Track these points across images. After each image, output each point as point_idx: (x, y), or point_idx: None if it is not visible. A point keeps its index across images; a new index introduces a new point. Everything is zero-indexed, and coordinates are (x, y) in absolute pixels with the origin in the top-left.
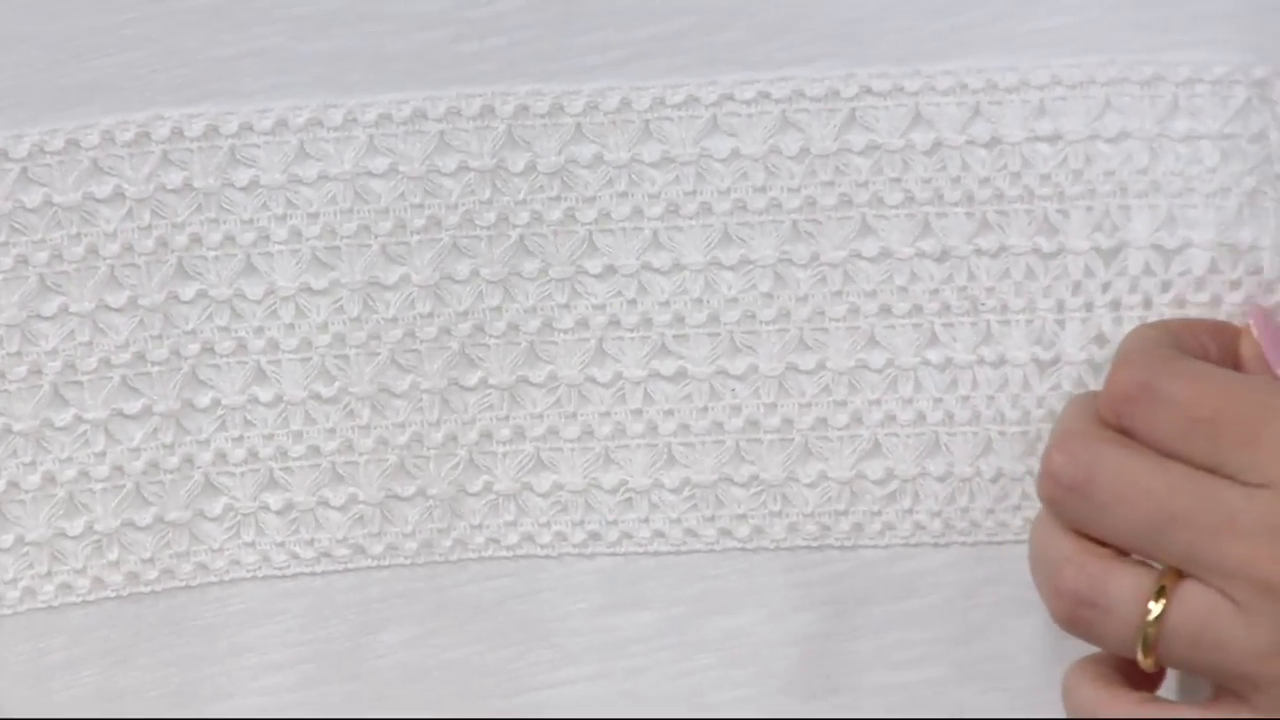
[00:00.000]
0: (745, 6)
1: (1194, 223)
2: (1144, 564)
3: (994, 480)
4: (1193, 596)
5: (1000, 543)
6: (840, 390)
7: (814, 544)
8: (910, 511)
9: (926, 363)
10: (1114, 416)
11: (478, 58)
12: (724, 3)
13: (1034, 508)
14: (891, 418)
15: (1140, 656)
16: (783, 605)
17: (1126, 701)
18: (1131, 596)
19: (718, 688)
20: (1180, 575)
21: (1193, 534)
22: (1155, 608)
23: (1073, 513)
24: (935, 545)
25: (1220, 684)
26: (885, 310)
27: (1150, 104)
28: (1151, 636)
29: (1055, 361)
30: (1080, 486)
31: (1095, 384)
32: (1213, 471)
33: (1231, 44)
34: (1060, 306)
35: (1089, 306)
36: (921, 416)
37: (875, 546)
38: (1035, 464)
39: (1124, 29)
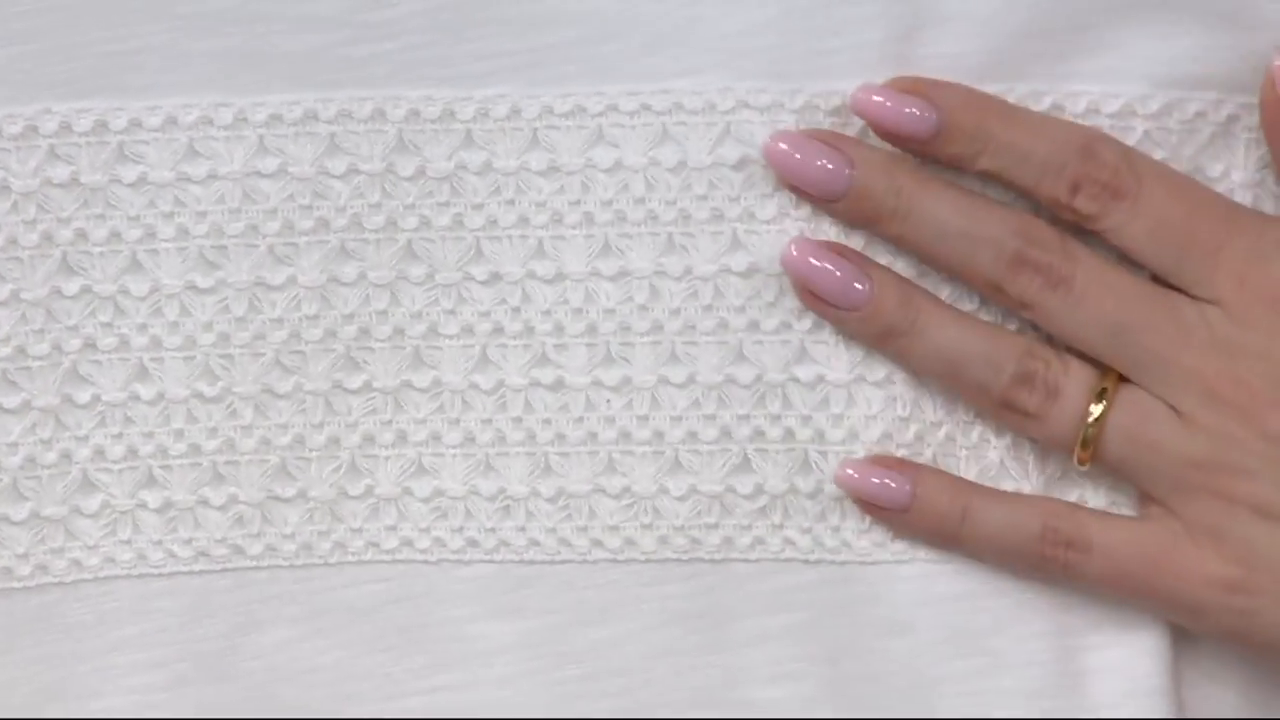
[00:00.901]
0: (635, 19)
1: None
2: (1086, 363)
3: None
4: (1136, 399)
5: (875, 563)
6: (710, 404)
7: (684, 557)
8: (780, 527)
9: (795, 379)
10: (1095, 206)
11: (370, 61)
12: (614, 14)
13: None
14: (760, 434)
15: (1078, 450)
16: (653, 618)
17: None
18: (1079, 388)
19: (587, 699)
20: (1120, 379)
21: (1149, 339)
22: (1096, 408)
23: (1044, 305)
24: (805, 562)
25: (1148, 491)
26: (753, 325)
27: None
28: (1091, 435)
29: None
30: (1065, 280)
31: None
32: (1173, 281)
33: (1129, 75)
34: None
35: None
36: (790, 433)
37: (745, 561)
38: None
39: (1023, 59)
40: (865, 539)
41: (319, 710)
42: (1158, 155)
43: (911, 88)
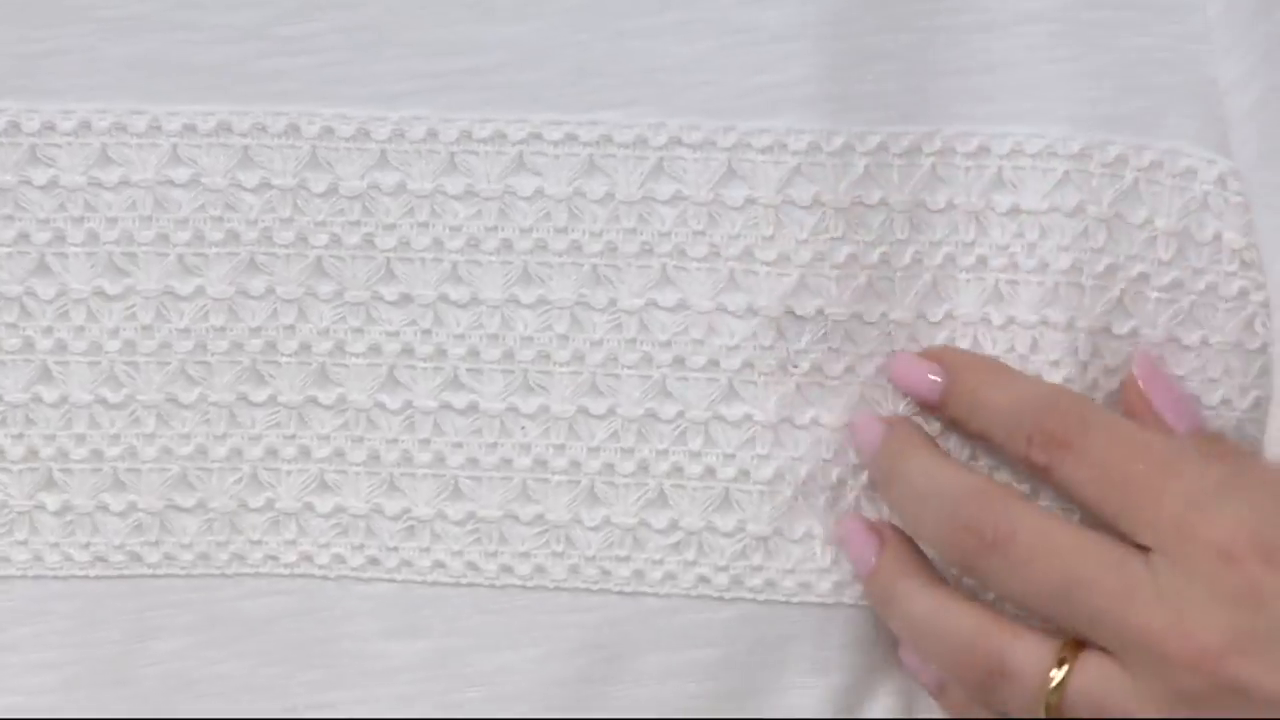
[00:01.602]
0: (559, 48)
1: (1015, 299)
2: (1044, 633)
3: (798, 541)
4: (1093, 665)
5: (801, 603)
6: (629, 438)
7: (594, 587)
8: (694, 564)
9: (720, 418)
10: (1044, 458)
11: (286, 75)
12: (537, 41)
13: (847, 569)
14: (679, 469)
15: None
16: (558, 646)
17: None
18: (1036, 664)
19: None
20: (1080, 645)
21: (1097, 600)
22: (1057, 675)
23: (986, 569)
24: (720, 599)
25: None
26: (679, 362)
27: (977, 174)
28: (1054, 703)
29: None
30: (1001, 544)
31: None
32: (1119, 529)
33: (1052, 116)
34: (882, 371)
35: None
36: (711, 471)
37: (657, 595)
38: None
39: (950, 98)
40: (790, 579)
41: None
42: (1077, 198)
43: (933, 354)
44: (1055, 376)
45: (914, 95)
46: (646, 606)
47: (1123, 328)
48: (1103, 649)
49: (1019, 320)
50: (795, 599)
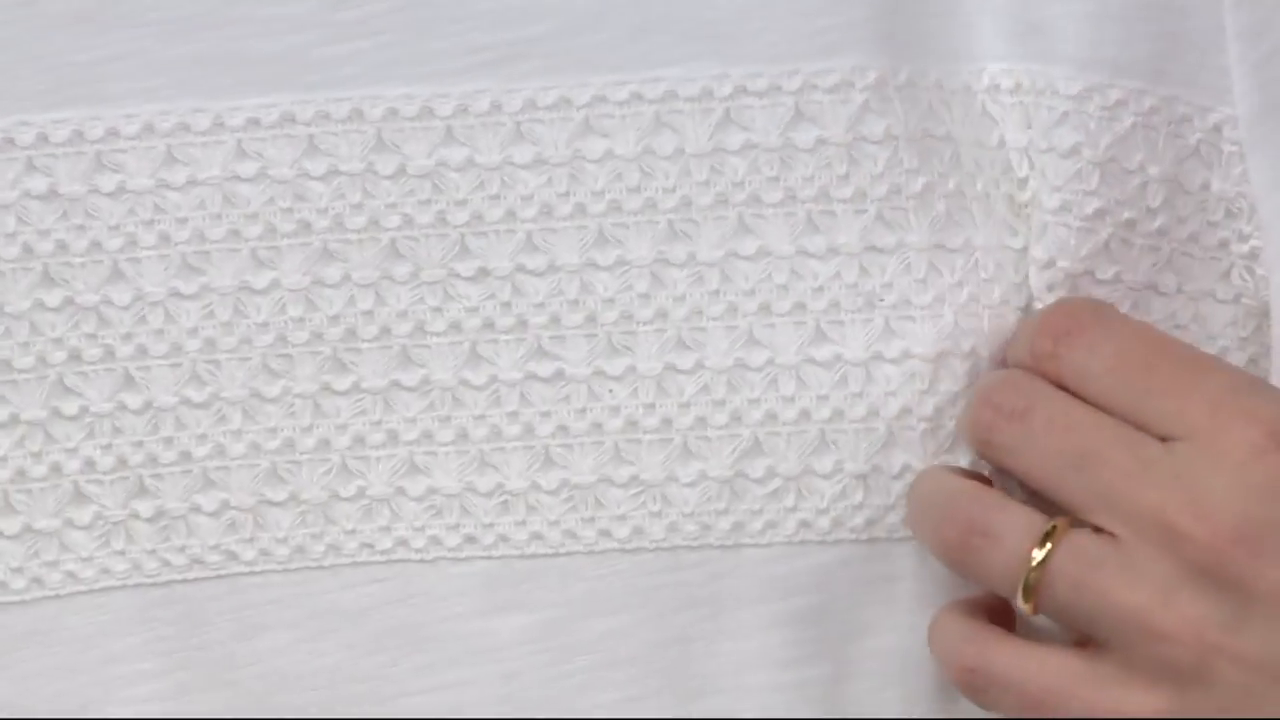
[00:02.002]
0: (613, 8)
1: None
2: (1035, 511)
3: (896, 477)
4: (1080, 543)
5: (903, 539)
6: (719, 389)
7: (694, 544)
8: (794, 509)
9: (810, 360)
10: (1051, 345)
11: (345, 61)
12: (590, 4)
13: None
14: (773, 416)
15: (1019, 599)
16: (663, 605)
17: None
18: (1021, 533)
19: (597, 690)
20: (1070, 523)
21: (1110, 473)
22: (1040, 553)
23: (1003, 441)
24: (822, 543)
25: (1091, 635)
26: (764, 309)
27: (1019, 111)
28: (1033, 579)
29: (963, 356)
30: (1021, 414)
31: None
32: (1134, 419)
33: (1055, 56)
34: (974, 299)
35: (1004, 301)
36: (806, 414)
37: (758, 545)
38: (949, 458)
39: (990, 37)
40: (892, 515)
41: (320, 714)
42: (1073, 139)
43: None
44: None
45: (958, 34)
46: (747, 558)
47: (1106, 273)
48: (1099, 530)
49: (979, 243)
50: (897, 535)
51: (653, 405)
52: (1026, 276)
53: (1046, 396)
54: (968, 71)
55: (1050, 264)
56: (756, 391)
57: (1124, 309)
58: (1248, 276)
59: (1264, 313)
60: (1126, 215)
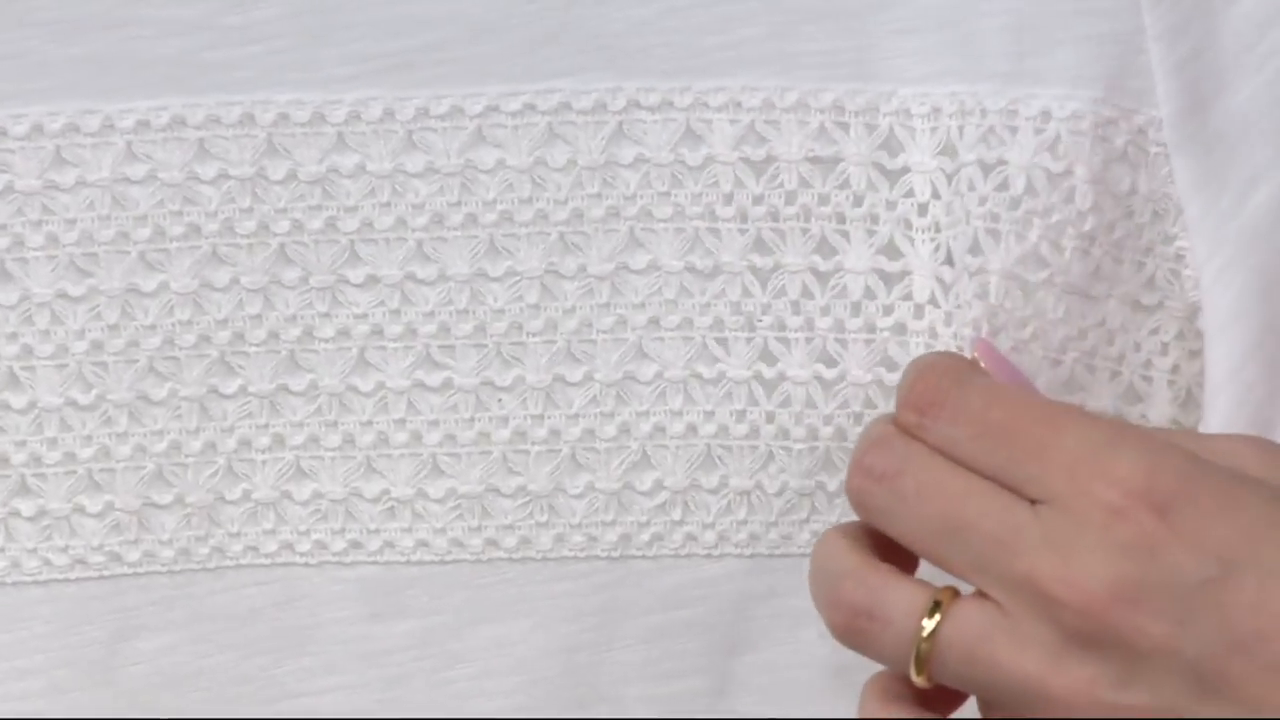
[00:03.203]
0: (508, 19)
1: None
2: (923, 583)
3: (778, 494)
4: (967, 613)
5: (784, 555)
6: (608, 402)
7: (581, 554)
8: (681, 523)
9: (697, 376)
10: (915, 417)
11: (237, 65)
12: (486, 14)
13: (823, 522)
14: (661, 430)
15: (913, 672)
16: (548, 615)
17: (901, 712)
18: (907, 610)
19: (479, 697)
20: (956, 594)
21: (981, 541)
22: (929, 624)
23: (876, 505)
24: (707, 557)
25: (990, 702)
26: (654, 323)
27: (930, 135)
28: (924, 652)
29: (833, 379)
30: (891, 478)
31: (885, 404)
32: (1003, 482)
33: (980, 72)
34: (840, 326)
35: (871, 328)
36: (693, 429)
37: (645, 557)
38: (824, 479)
39: (892, 57)
40: (774, 532)
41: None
42: (999, 152)
43: None
44: (966, 316)
45: (861, 54)
46: (634, 569)
47: (1037, 276)
48: (984, 597)
49: (916, 270)
50: (779, 551)
51: (541, 416)
52: (900, 299)
53: (917, 461)
54: (874, 93)
55: (980, 270)
56: (645, 405)
57: (1058, 313)
58: (1173, 280)
59: (1188, 316)
60: (1056, 218)
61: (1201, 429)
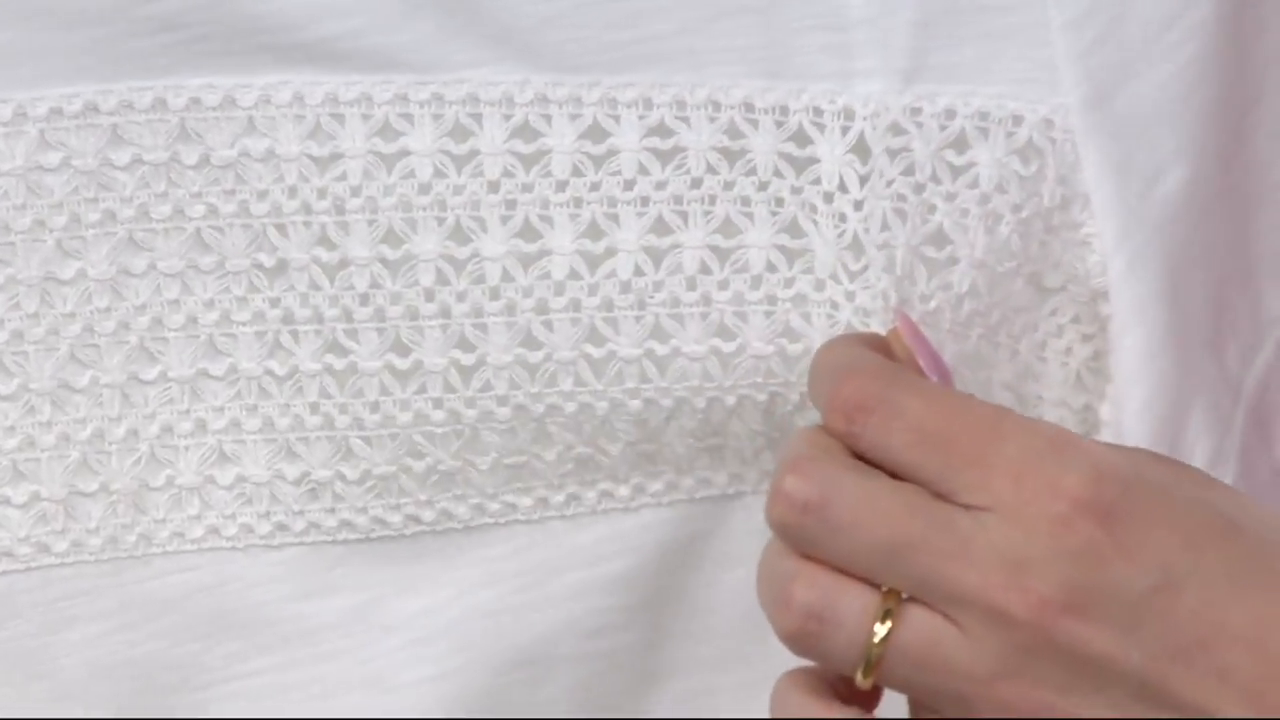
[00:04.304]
0: (419, 9)
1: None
2: (872, 586)
3: (684, 448)
4: (920, 619)
5: (703, 499)
6: (500, 385)
7: (501, 521)
8: (594, 482)
9: (586, 356)
10: (844, 424)
11: (150, 52)
12: (399, 4)
13: (738, 465)
14: (555, 408)
15: (860, 675)
16: (471, 581)
17: (840, 713)
18: (860, 614)
19: (409, 667)
20: (909, 599)
21: (926, 559)
22: (881, 629)
23: (805, 536)
24: (625, 510)
25: (935, 707)
26: (541, 306)
27: (840, 133)
28: (875, 656)
29: (731, 353)
30: (815, 508)
31: (786, 374)
32: (939, 490)
33: (888, 69)
34: (739, 299)
35: (772, 300)
36: (586, 407)
37: (562, 517)
38: (713, 441)
39: (807, 54)
40: (688, 478)
41: (134, 704)
42: (904, 145)
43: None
44: (876, 289)
45: (773, 50)
46: (552, 530)
47: (939, 252)
48: (932, 607)
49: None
50: (698, 495)
51: (440, 399)
52: (802, 273)
53: (846, 486)
54: (785, 90)
55: (886, 245)
56: (538, 386)
57: (963, 287)
58: (1078, 265)
59: (1089, 300)
60: (960, 202)
61: (1119, 419)
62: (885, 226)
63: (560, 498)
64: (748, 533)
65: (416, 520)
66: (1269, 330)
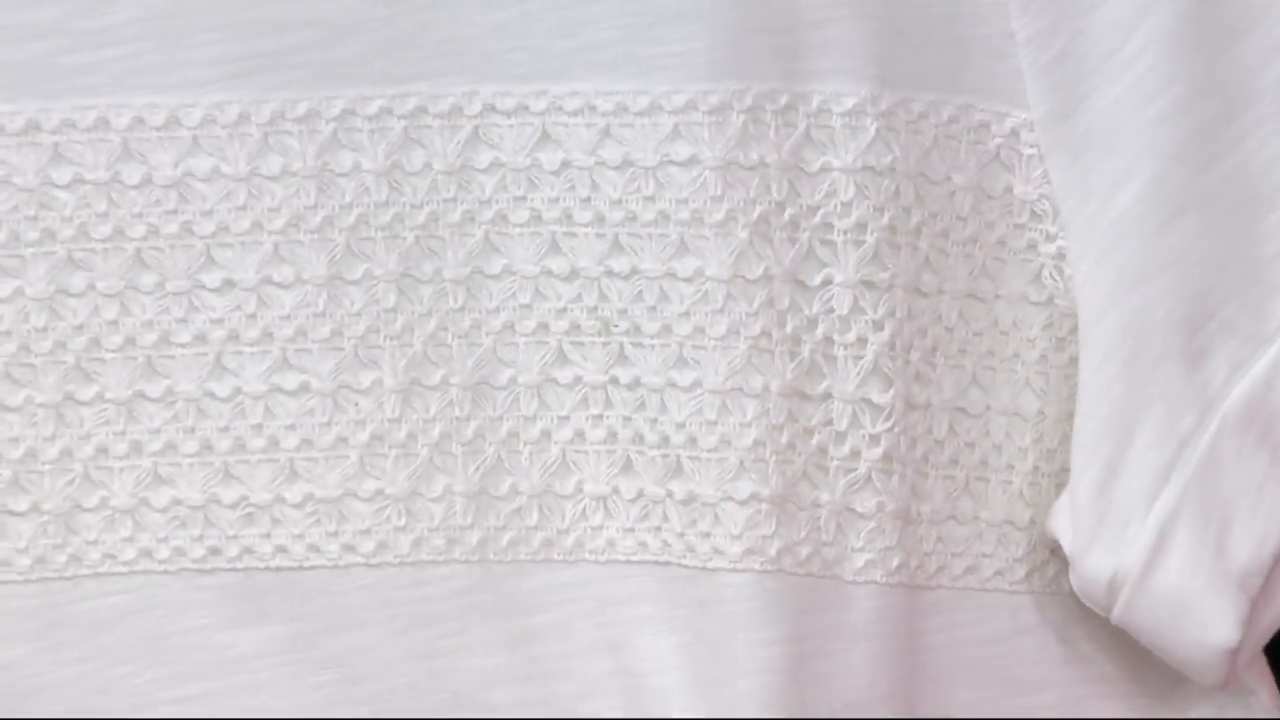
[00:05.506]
0: (363, 23)
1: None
2: None
3: (633, 500)
4: None
5: (640, 562)
6: (464, 406)
7: (439, 559)
8: (537, 528)
9: (551, 380)
10: None
11: (93, 69)
12: (342, 18)
13: (672, 531)
14: (515, 435)
15: None
16: (407, 620)
17: None
18: None
19: (339, 704)
20: None
21: None
22: None
23: None
24: (565, 562)
25: None
26: (508, 328)
27: (786, 133)
28: None
29: (688, 385)
30: None
31: (739, 413)
32: None
33: (858, 75)
34: (700, 329)
35: (732, 332)
36: (547, 434)
37: (502, 562)
38: (676, 487)
39: (757, 57)
40: (630, 538)
41: None
42: (888, 157)
43: None
44: (876, 337)
45: (722, 53)
46: (493, 574)
47: (929, 286)
48: None
49: (838, 281)
50: (635, 559)
51: (398, 420)
52: (762, 305)
53: None
54: (726, 92)
55: (889, 285)
56: (498, 410)
57: (952, 319)
58: (1057, 277)
59: (1072, 312)
60: (941, 226)
61: (1071, 427)
62: (879, 262)
63: (503, 541)
64: (682, 601)
65: (352, 550)
66: (1274, 339)
